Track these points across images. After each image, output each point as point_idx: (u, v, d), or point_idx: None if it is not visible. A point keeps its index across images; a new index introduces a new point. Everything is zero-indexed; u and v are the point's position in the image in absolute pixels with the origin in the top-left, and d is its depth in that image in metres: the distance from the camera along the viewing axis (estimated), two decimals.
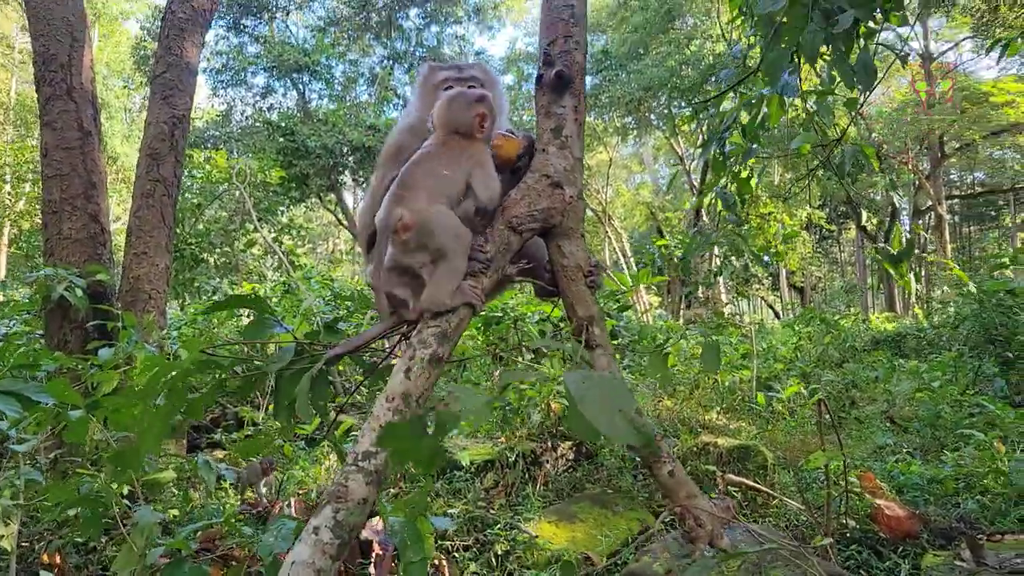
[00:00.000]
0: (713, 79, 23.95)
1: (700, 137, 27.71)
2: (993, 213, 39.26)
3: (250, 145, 19.44)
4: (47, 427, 2.97)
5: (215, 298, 9.74)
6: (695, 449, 4.76)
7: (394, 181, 1.91)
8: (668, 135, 28.90)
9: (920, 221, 28.14)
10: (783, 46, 2.53)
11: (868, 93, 2.30)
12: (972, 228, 41.33)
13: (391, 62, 27.64)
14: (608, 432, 1.20)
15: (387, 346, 2.30)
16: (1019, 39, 6.07)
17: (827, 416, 3.82)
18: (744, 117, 3.82)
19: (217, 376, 2.10)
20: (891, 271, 3.95)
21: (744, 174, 3.95)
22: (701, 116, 3.93)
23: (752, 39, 3.30)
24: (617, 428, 1.19)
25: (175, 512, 4.08)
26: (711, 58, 24.92)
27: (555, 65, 2.00)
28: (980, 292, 8.12)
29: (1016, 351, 7.15)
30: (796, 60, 2.66)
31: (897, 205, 28.30)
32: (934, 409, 6.11)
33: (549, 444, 5.33)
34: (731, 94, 3.76)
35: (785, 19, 2.42)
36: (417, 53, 27.83)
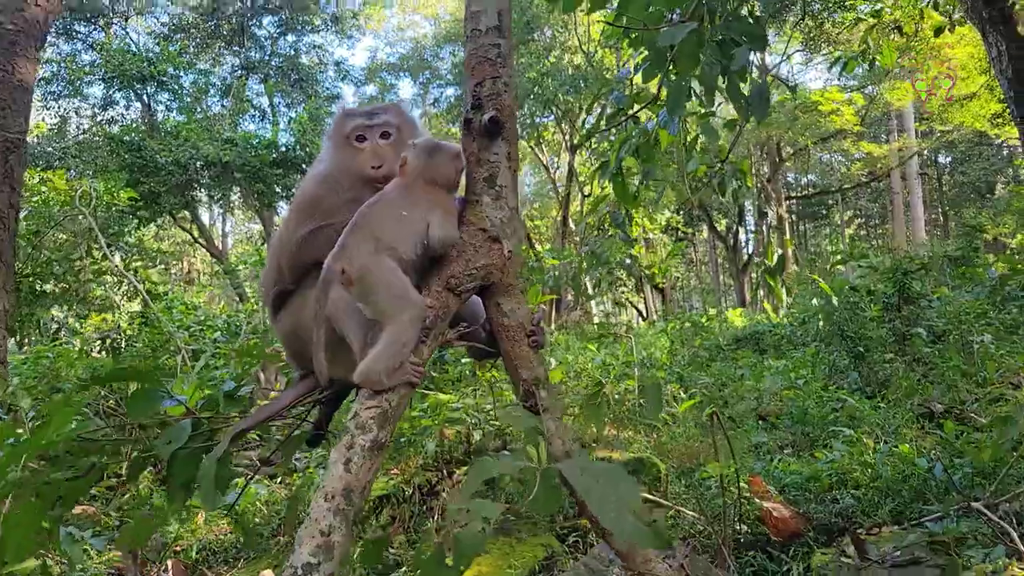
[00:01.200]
0: (572, 90, 24.75)
1: (564, 146, 28.42)
2: (824, 212, 43.09)
3: (90, 162, 17.85)
4: None
5: (61, 335, 8.83)
6: None
7: (315, 230, 1.73)
8: (532, 144, 29.46)
9: (764, 221, 30.39)
10: (677, 75, 2.59)
11: (761, 120, 2.38)
12: (807, 226, 45.14)
13: (245, 72, 26.40)
14: (618, 531, 1.12)
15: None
16: (857, 58, 6.66)
17: (719, 427, 3.96)
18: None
19: (99, 459, 1.83)
20: (769, 283, 4.16)
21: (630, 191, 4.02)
22: (596, 137, 3.95)
23: (638, 60, 3.35)
24: (628, 526, 1.12)
25: None
26: (571, 69, 25.70)
27: (484, 108, 1.88)
28: (831, 291, 8.77)
29: (865, 345, 7.78)
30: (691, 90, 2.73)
31: (744, 208, 30.26)
32: (801, 407, 6.51)
33: (445, 472, 5.19)
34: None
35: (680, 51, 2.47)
36: (273, 63, 26.78)
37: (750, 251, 30.78)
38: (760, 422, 7.14)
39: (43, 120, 21.74)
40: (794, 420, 6.51)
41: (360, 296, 1.64)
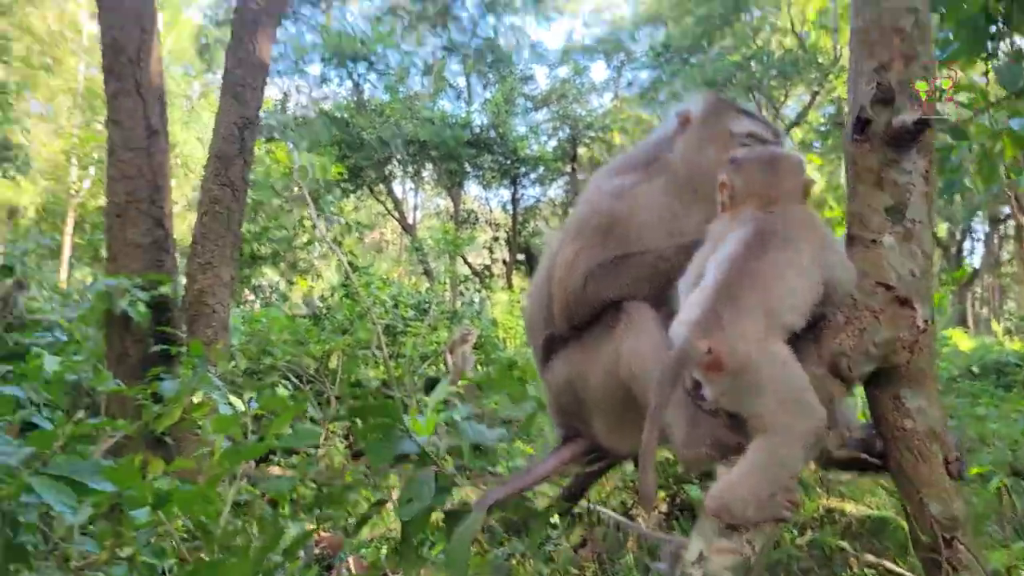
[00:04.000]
0: (780, 75, 22.98)
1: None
2: None
3: (305, 134, 19.23)
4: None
5: (273, 297, 9.49)
6: (817, 516, 4.18)
7: (671, 273, 1.36)
8: None
9: (999, 229, 26.65)
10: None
11: None
12: None
13: (446, 52, 27.19)
14: None
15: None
16: None
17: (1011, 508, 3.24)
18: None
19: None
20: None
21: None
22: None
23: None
24: None
25: None
26: (779, 52, 23.88)
27: (897, 103, 1.33)
28: None
29: None
30: None
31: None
32: None
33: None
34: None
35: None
36: (473, 44, 27.32)
37: (976, 262, 27.29)
38: (1021, 482, 6.02)
39: (268, 96, 23.81)
40: None
41: (732, 390, 1.19)
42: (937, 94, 1.30)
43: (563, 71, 29.76)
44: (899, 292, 1.28)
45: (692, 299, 1.24)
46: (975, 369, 10.05)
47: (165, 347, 4.57)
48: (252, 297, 10.57)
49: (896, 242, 1.31)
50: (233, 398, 3.52)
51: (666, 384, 1.18)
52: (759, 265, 1.24)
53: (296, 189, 10.31)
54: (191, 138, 23.26)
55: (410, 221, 29.70)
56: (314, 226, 9.21)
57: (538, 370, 1.71)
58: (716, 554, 1.12)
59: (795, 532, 4.04)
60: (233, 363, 4.60)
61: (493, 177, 23.20)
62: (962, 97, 2.75)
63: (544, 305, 1.66)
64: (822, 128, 22.63)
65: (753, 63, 23.55)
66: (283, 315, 7.79)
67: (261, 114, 5.54)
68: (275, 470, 6.22)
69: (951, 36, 2.81)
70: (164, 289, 4.71)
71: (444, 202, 34.82)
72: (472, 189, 28.17)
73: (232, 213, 5.06)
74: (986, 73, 2.65)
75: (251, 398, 3.08)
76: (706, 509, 1.16)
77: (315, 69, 24.16)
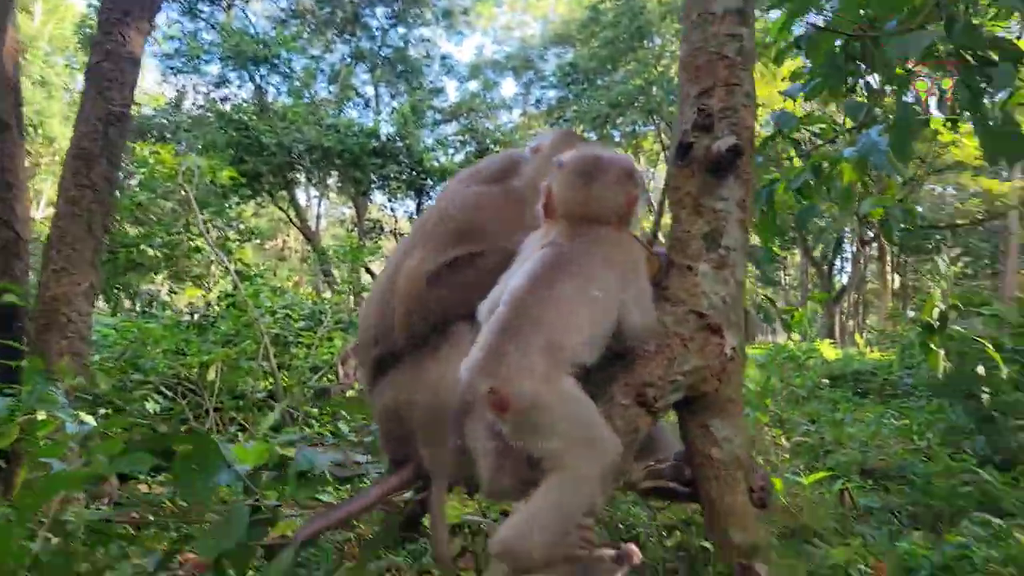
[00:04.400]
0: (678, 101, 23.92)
1: (662, 157, 27.53)
2: (930, 246, 40.40)
3: (200, 136, 18.40)
4: None
5: (153, 307, 8.95)
6: (685, 518, 4.27)
7: (478, 302, 1.26)
8: (629, 152, 28.76)
9: (865, 249, 28.61)
10: (898, 92, 2.09)
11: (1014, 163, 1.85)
12: (910, 259, 42.48)
13: (354, 60, 26.79)
14: None
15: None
16: None
17: (851, 507, 3.40)
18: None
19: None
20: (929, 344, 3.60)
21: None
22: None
23: (807, 77, 2.82)
24: None
25: None
26: (678, 79, 24.86)
27: (716, 130, 1.34)
28: (958, 340, 7.88)
29: (999, 408, 6.90)
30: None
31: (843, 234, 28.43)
32: (925, 472, 5.76)
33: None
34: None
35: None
36: (382, 53, 27.04)
37: (844, 280, 29.21)
38: (868, 481, 6.39)
39: (163, 93, 22.66)
40: (915, 487, 5.75)
41: (519, 431, 1.14)
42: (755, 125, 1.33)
43: (473, 85, 29.98)
44: (711, 320, 1.27)
45: (480, 337, 1.20)
46: (826, 380, 10.63)
47: (7, 362, 4.17)
48: (131, 306, 9.96)
49: (711, 269, 1.29)
50: (86, 416, 3.26)
51: (454, 426, 1.14)
52: (545, 299, 1.18)
53: (183, 192, 9.82)
54: (71, 132, 21.81)
55: (313, 229, 28.96)
56: (199, 233, 8.77)
57: (366, 391, 1.64)
58: None
59: (664, 535, 4.12)
60: (79, 377, 4.24)
61: (399, 187, 22.94)
62: (816, 127, 2.90)
63: (379, 320, 1.58)
64: None
65: (654, 88, 24.39)
66: (161, 325, 7.33)
67: (151, 112, 5.21)
68: (142, 487, 5.83)
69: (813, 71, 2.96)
70: (10, 297, 4.32)
71: (349, 211, 34.26)
72: (377, 198, 27.82)
73: (94, 215, 4.70)
74: (838, 106, 2.81)
75: (82, 420, 2.84)
76: (494, 546, 1.11)
77: (214, 69, 23.22)
